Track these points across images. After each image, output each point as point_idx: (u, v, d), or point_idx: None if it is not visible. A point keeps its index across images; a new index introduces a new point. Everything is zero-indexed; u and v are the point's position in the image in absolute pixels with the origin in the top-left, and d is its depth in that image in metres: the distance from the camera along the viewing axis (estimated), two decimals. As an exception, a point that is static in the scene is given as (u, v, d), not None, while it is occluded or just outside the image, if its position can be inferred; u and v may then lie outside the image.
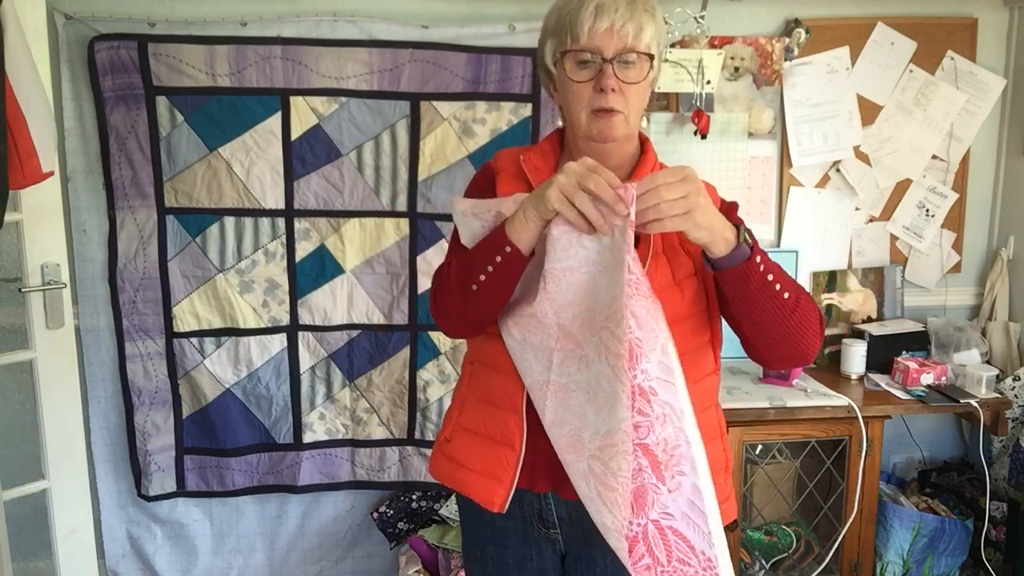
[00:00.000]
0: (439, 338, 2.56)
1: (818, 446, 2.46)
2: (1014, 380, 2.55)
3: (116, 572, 2.63)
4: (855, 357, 2.59)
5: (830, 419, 2.36)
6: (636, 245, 1.10)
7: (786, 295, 1.16)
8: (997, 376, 2.51)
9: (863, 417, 2.33)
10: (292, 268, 2.49)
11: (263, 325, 2.50)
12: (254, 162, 2.41)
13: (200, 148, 2.39)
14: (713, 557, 1.07)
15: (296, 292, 2.50)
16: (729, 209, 1.23)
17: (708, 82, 2.52)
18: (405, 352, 2.56)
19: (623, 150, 1.27)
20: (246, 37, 2.36)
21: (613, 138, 1.23)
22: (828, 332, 2.67)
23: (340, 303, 2.52)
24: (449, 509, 2.57)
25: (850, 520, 2.41)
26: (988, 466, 2.60)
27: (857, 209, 2.75)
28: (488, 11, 2.47)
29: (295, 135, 2.42)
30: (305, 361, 2.55)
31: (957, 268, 2.83)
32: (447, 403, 2.29)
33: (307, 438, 2.57)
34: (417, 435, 2.61)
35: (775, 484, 2.59)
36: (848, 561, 2.45)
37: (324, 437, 2.59)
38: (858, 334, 2.68)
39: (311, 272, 2.50)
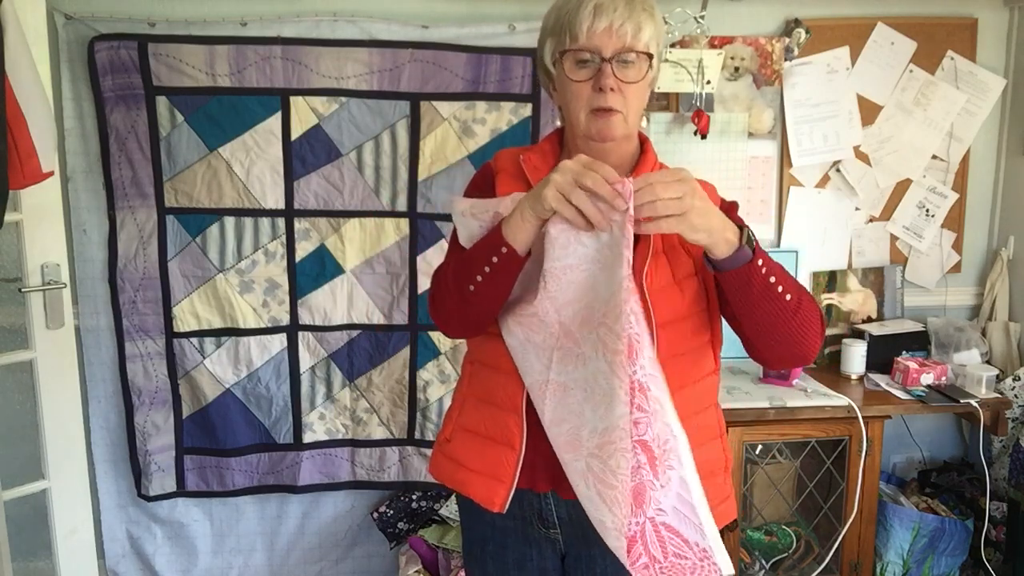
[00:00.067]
0: (439, 338, 2.56)
1: (818, 446, 2.46)
2: (1014, 380, 2.55)
3: (116, 572, 2.63)
4: (855, 357, 2.59)
5: (830, 419, 2.36)
6: (636, 244, 1.09)
7: (788, 297, 1.16)
8: (997, 376, 2.51)
9: (863, 417, 2.33)
10: (292, 268, 2.49)
11: (263, 325, 2.50)
12: (254, 162, 2.41)
13: (200, 148, 2.39)
14: (708, 547, 1.07)
15: (296, 292, 2.50)
16: (729, 209, 1.23)
17: (708, 82, 2.52)
18: (405, 352, 2.56)
19: (622, 150, 1.27)
20: (246, 37, 2.36)
21: (612, 137, 1.23)
22: (828, 332, 2.67)
23: (340, 303, 2.52)
24: (449, 509, 2.57)
25: (850, 520, 2.41)
26: (988, 466, 2.59)
27: (857, 209, 2.75)
28: (488, 11, 2.47)
29: (295, 135, 2.42)
30: (305, 361, 2.55)
31: (957, 268, 2.83)
32: (447, 403, 2.29)
33: (307, 438, 2.57)
34: (417, 435, 2.61)
35: (775, 484, 2.59)
36: (848, 561, 2.45)
37: (324, 437, 2.59)
38: (858, 334, 2.68)
39: (311, 272, 2.50)
